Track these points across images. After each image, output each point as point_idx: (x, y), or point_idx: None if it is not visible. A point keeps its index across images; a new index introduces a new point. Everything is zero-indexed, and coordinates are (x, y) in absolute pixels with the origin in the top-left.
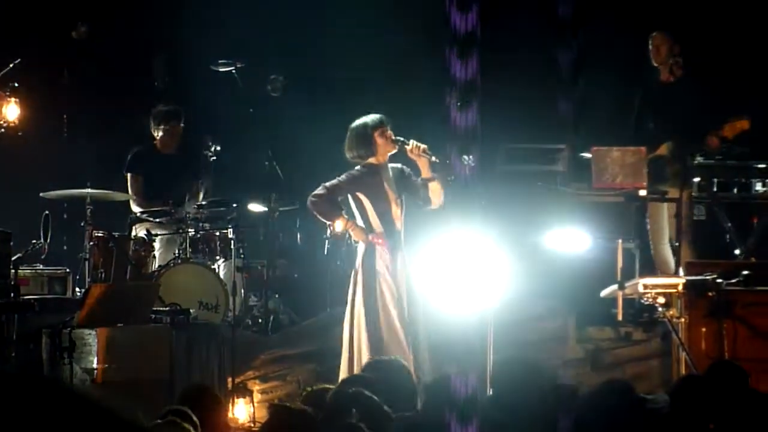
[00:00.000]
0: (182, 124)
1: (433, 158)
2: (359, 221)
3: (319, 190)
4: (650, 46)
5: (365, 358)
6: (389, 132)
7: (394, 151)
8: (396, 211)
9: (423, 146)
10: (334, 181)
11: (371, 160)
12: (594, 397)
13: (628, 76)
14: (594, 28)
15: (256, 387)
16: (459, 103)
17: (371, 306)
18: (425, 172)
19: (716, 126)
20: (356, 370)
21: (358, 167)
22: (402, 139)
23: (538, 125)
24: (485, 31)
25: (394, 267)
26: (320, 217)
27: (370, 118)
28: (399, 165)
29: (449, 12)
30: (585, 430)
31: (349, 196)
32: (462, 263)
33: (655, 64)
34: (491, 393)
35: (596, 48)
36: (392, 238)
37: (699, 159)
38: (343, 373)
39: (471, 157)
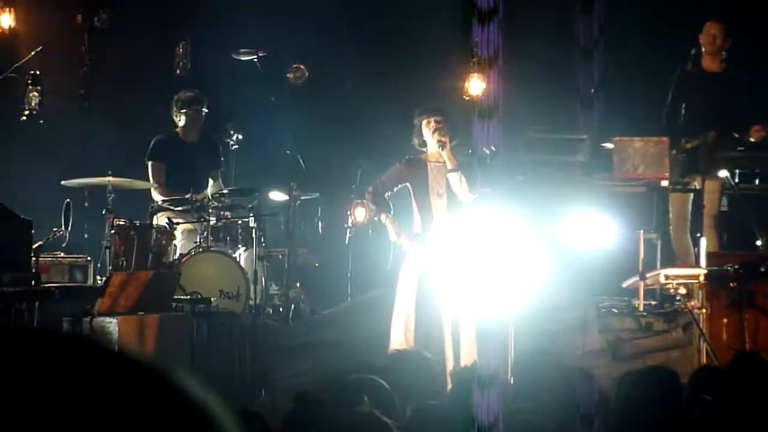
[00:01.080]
0: (205, 110)
1: (441, 149)
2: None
3: (368, 188)
4: (706, 35)
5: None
6: (434, 123)
7: (438, 145)
8: (437, 204)
9: (436, 138)
10: (379, 178)
11: (425, 150)
12: (637, 386)
13: (652, 65)
14: (617, 20)
15: (276, 376)
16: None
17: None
18: (449, 164)
19: (763, 119)
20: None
21: (403, 159)
22: (428, 131)
23: (559, 115)
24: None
25: (422, 262)
26: (369, 214)
27: (423, 107)
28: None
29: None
30: (629, 418)
31: (402, 186)
32: (486, 252)
33: (707, 52)
34: (513, 382)
35: (620, 39)
36: (428, 232)
37: (726, 151)
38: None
39: (492, 146)
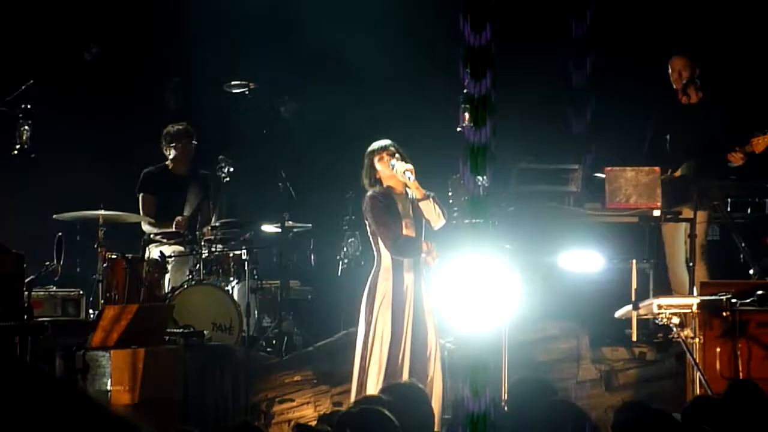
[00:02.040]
0: (194, 143)
1: (410, 179)
2: (374, 246)
3: (389, 240)
4: (670, 70)
5: (373, 381)
6: (386, 157)
7: (407, 173)
8: (409, 231)
9: (402, 168)
10: (381, 223)
11: (387, 184)
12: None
13: (641, 96)
14: (607, 49)
15: (270, 409)
16: (472, 125)
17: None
18: (415, 193)
19: (740, 143)
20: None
21: (368, 194)
22: (393, 162)
23: (551, 145)
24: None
25: (400, 289)
26: (412, 255)
27: (374, 144)
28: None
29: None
30: None
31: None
32: (477, 284)
33: (675, 87)
34: (506, 411)
35: (609, 68)
36: (401, 266)
37: (714, 180)
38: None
39: (485, 177)
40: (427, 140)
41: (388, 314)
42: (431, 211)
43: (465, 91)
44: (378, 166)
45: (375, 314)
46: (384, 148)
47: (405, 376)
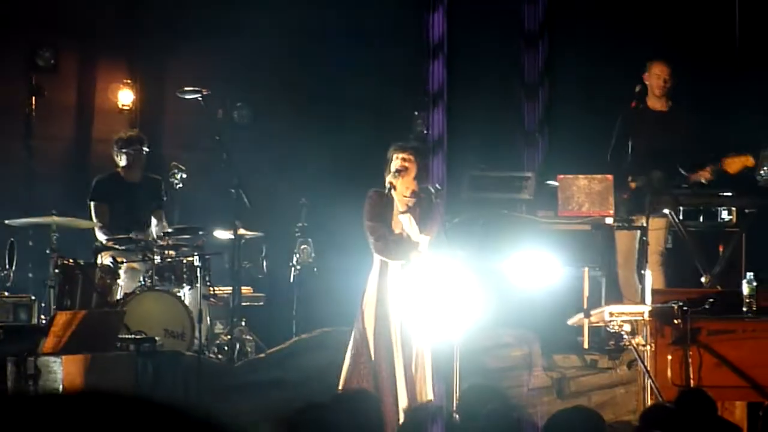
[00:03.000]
0: (145, 150)
1: (389, 190)
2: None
3: (371, 237)
4: (652, 75)
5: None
6: (395, 160)
7: (389, 185)
8: (398, 231)
9: (390, 180)
10: (367, 221)
11: (392, 181)
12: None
13: (596, 103)
14: (561, 58)
15: (221, 415)
16: (426, 131)
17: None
18: (400, 206)
19: (710, 155)
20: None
21: (371, 191)
22: (393, 174)
23: (504, 153)
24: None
25: (385, 290)
26: (397, 257)
27: (395, 143)
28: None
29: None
30: None
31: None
32: (429, 290)
33: (655, 94)
34: (458, 419)
35: (564, 76)
36: (388, 270)
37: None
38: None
39: (438, 185)
40: (381, 147)
41: (372, 314)
42: (407, 225)
43: (419, 96)
44: (391, 164)
45: (361, 313)
46: (398, 149)
47: (387, 376)
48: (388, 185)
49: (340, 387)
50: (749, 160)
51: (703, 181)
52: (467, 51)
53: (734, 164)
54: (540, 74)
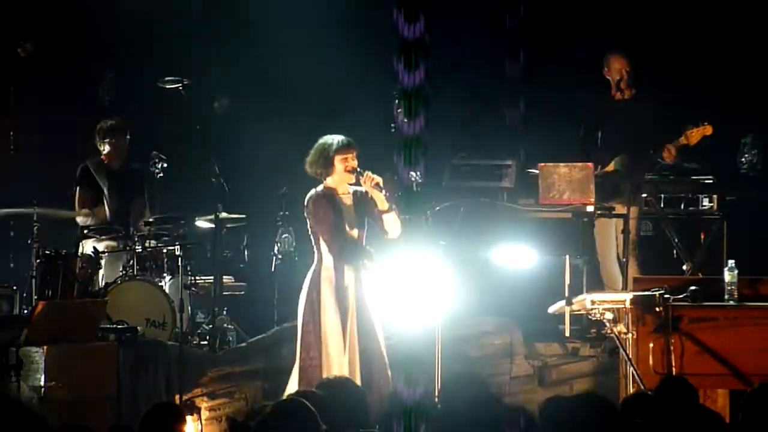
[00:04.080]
0: (127, 137)
1: (384, 192)
2: (315, 245)
3: (336, 245)
4: (607, 68)
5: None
6: (351, 160)
7: (351, 181)
8: (352, 233)
9: (377, 179)
10: (319, 227)
11: (328, 181)
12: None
13: (574, 89)
14: (540, 41)
15: (203, 404)
16: (405, 118)
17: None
18: (380, 205)
19: (672, 139)
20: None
21: (312, 196)
22: (359, 170)
23: (485, 141)
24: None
25: (341, 286)
26: (354, 260)
27: (337, 140)
28: (362, 189)
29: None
30: None
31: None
32: (411, 279)
33: (616, 86)
34: (440, 407)
35: (544, 64)
36: (344, 260)
37: (648, 175)
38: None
39: (418, 173)
40: (361, 137)
41: (331, 314)
42: (393, 223)
43: (398, 84)
44: (338, 164)
45: (317, 314)
46: (350, 148)
47: (347, 374)
48: (380, 188)
49: (292, 389)
50: (707, 129)
51: (668, 161)
52: (447, 39)
53: (693, 135)
54: (521, 63)
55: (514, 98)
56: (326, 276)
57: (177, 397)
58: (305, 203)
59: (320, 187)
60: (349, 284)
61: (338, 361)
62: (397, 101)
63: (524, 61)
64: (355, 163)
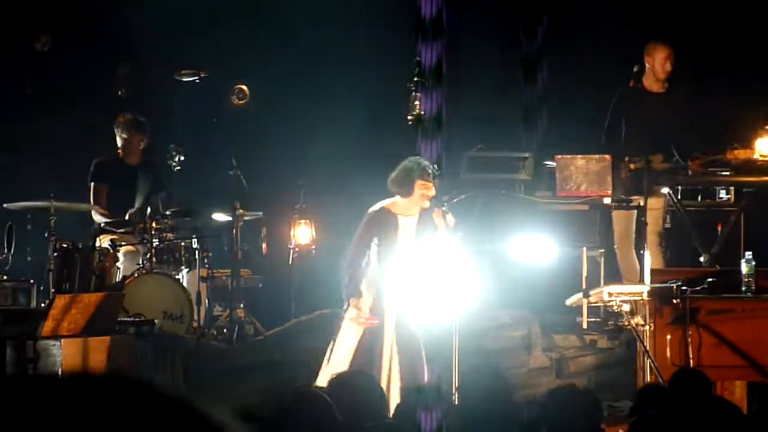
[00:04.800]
0: (145, 134)
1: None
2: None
3: (344, 265)
4: (650, 55)
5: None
6: (430, 189)
7: (425, 207)
8: (402, 261)
9: (452, 220)
10: (355, 239)
11: (398, 201)
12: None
13: (594, 84)
14: (561, 38)
15: (221, 398)
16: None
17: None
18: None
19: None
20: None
21: (373, 210)
22: (439, 206)
23: (502, 133)
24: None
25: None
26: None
27: (422, 164)
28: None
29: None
30: None
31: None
32: (428, 272)
33: (656, 77)
34: (457, 401)
35: (562, 56)
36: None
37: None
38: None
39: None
40: (379, 128)
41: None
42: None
43: (417, 78)
44: (417, 189)
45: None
46: (432, 177)
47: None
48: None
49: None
50: (750, 153)
51: (691, 173)
52: (464, 29)
53: (739, 156)
54: (539, 53)
55: (532, 89)
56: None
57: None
58: (368, 211)
59: (384, 204)
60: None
61: (346, 358)
62: (414, 93)
63: (543, 52)
64: (433, 192)
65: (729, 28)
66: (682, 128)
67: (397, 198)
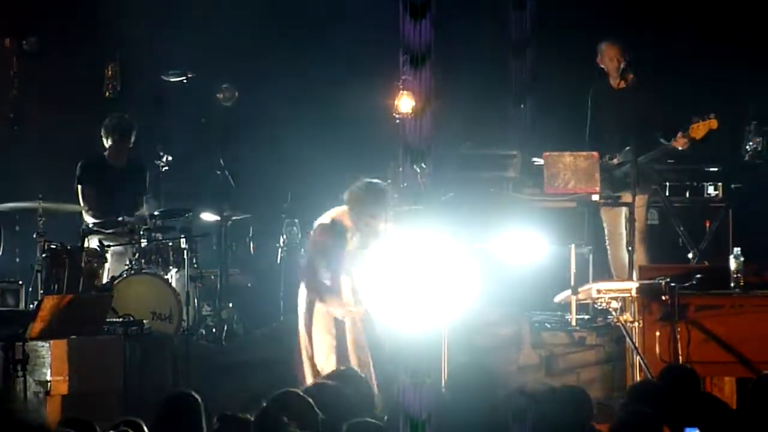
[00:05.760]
0: (132, 136)
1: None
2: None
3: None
4: (601, 56)
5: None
6: (374, 224)
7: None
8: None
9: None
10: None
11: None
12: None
13: (581, 82)
14: (547, 34)
15: (210, 397)
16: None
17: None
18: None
19: (676, 127)
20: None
21: (323, 226)
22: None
23: (490, 131)
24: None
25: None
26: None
27: (384, 197)
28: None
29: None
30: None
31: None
32: (417, 270)
33: (608, 72)
34: (446, 398)
35: (549, 54)
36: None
37: (653, 164)
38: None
39: (424, 164)
40: (366, 126)
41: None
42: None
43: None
44: (368, 223)
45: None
46: (381, 215)
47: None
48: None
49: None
50: (713, 123)
51: (680, 148)
52: (453, 28)
53: (699, 130)
54: (526, 50)
55: (520, 87)
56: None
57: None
58: (315, 226)
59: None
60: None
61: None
62: (401, 92)
63: (530, 48)
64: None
65: (713, 20)
66: (646, 120)
67: (342, 214)
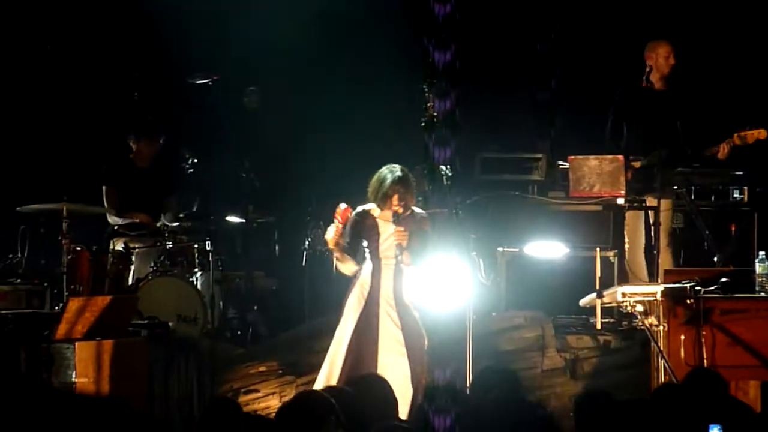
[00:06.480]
0: (160, 139)
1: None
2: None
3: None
4: (653, 53)
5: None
6: (399, 199)
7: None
8: (386, 264)
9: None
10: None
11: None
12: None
13: (606, 84)
14: (572, 38)
15: (236, 400)
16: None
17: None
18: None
19: (720, 134)
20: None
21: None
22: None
23: (516, 134)
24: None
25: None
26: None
27: (390, 177)
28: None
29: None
30: None
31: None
32: (442, 273)
33: (660, 74)
34: (471, 402)
35: (575, 57)
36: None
37: (678, 168)
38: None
39: (449, 167)
40: (392, 130)
41: (355, 311)
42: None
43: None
44: (394, 200)
45: (344, 310)
46: (401, 185)
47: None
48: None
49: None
50: (762, 133)
51: (720, 156)
52: (477, 31)
53: (749, 137)
54: (552, 56)
55: (544, 90)
56: (363, 274)
57: (208, 393)
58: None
59: (369, 208)
60: (381, 282)
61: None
62: (426, 93)
63: (556, 54)
64: (402, 204)
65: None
66: (686, 125)
67: (372, 207)
